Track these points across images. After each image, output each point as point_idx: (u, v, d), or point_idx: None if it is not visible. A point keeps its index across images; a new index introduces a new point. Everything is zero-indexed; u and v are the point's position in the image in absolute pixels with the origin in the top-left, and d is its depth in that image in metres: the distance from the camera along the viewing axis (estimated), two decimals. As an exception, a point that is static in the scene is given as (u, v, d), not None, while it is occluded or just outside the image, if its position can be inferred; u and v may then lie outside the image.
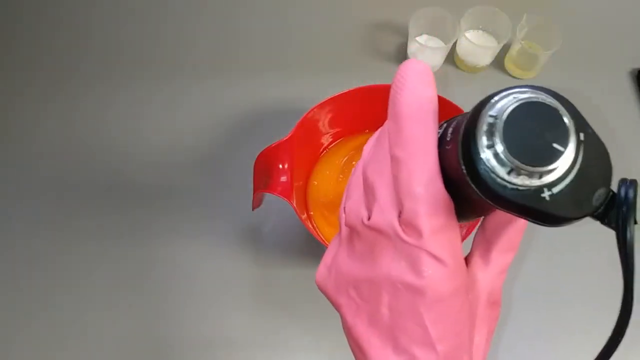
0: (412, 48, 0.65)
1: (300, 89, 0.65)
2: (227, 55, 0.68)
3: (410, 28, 0.62)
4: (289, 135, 0.44)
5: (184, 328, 0.52)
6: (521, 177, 0.16)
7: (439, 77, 0.67)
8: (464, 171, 0.17)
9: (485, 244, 0.23)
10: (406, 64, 0.21)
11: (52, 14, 0.71)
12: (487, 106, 0.17)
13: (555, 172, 0.16)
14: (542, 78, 0.66)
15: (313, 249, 0.55)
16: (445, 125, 0.21)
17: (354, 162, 0.54)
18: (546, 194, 0.17)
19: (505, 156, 0.16)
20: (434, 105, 0.20)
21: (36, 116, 0.64)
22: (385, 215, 0.21)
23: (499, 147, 0.16)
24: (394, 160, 0.20)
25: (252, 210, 0.48)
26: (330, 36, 0.69)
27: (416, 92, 0.20)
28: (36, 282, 0.55)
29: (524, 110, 0.17)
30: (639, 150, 0.62)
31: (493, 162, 0.17)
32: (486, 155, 0.17)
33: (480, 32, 0.66)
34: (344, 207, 0.24)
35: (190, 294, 0.54)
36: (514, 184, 0.16)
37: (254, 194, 0.46)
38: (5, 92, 0.66)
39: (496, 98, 0.17)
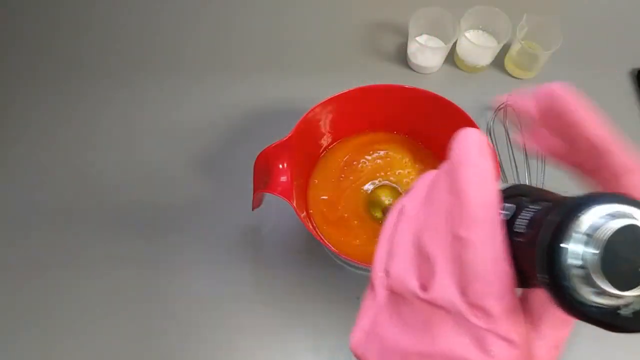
0: (412, 48, 0.65)
1: (300, 88, 0.65)
2: (226, 56, 0.68)
3: (410, 28, 0.62)
4: (289, 135, 0.44)
5: (184, 328, 0.52)
6: (606, 297, 0.16)
7: (439, 77, 0.67)
8: (544, 281, 0.17)
9: (534, 316, 0.22)
10: (464, 134, 0.20)
11: (51, 13, 0.71)
12: (577, 223, 0.16)
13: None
14: (542, 78, 0.66)
15: (313, 248, 0.55)
16: (514, 207, 0.20)
17: (354, 162, 0.54)
18: (626, 311, 0.16)
19: (596, 280, 0.16)
20: (495, 181, 0.20)
21: (33, 116, 0.64)
22: (446, 292, 0.20)
23: (592, 272, 0.16)
24: (458, 240, 0.20)
25: (252, 210, 0.48)
26: (330, 36, 0.69)
27: (479, 169, 0.19)
28: (33, 283, 0.55)
29: (619, 234, 0.16)
30: (638, 150, 0.62)
31: (580, 283, 0.16)
32: (574, 274, 0.16)
33: (480, 32, 0.66)
34: (386, 269, 0.23)
35: (190, 294, 0.54)
36: (596, 303, 0.16)
37: (254, 194, 0.46)
38: (5, 92, 0.66)
39: (587, 215, 0.16)
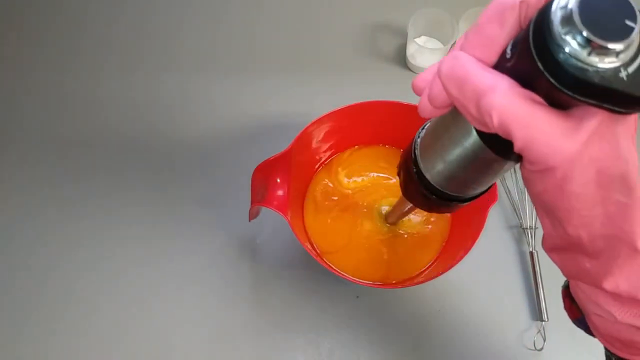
0: (411, 49, 0.65)
1: (300, 89, 0.66)
2: (225, 59, 0.69)
3: (409, 29, 0.62)
4: (287, 149, 0.45)
5: (181, 334, 0.54)
6: (600, 57, 0.17)
7: (438, 77, 0.67)
8: (541, 67, 0.18)
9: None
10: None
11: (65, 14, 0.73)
12: (553, 3, 0.18)
13: (629, 50, 0.17)
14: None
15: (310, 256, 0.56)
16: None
17: (352, 175, 0.55)
18: (623, 74, 0.17)
19: (586, 36, 0.17)
20: None
21: (37, 110, 0.66)
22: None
23: (579, 30, 0.17)
24: None
25: (249, 221, 0.50)
26: (329, 38, 0.70)
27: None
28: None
29: None
30: (638, 150, 0.62)
31: (573, 46, 0.17)
32: (565, 41, 0.17)
33: (479, 33, 0.66)
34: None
35: (186, 299, 0.55)
36: (594, 66, 0.17)
37: (251, 206, 0.47)
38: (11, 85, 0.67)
39: None
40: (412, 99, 0.50)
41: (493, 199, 0.45)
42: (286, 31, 0.71)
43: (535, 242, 0.56)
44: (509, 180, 0.59)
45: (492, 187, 0.45)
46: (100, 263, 0.57)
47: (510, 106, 0.19)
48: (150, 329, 0.54)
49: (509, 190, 0.59)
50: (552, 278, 0.54)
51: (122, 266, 0.57)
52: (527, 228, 0.57)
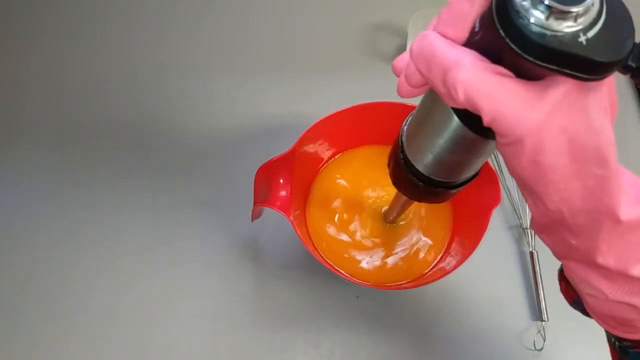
0: (411, 49, 0.65)
1: (301, 89, 0.66)
2: (226, 61, 0.69)
3: (409, 29, 0.63)
4: (290, 150, 0.45)
5: (182, 333, 0.54)
6: (558, 21, 0.17)
7: (438, 78, 0.67)
8: (503, 34, 0.18)
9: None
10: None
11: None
12: None
13: (587, 14, 0.18)
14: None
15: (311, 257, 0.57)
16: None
17: (354, 175, 0.55)
18: (582, 38, 0.18)
19: (543, 1, 0.17)
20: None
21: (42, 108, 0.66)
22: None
23: None
24: None
25: (252, 221, 0.50)
26: (330, 38, 0.70)
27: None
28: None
29: None
30: (638, 150, 0.63)
31: (532, 12, 0.17)
32: (524, 7, 0.18)
33: (479, 33, 0.66)
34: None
35: (187, 299, 0.55)
36: (553, 30, 0.17)
37: (253, 206, 0.47)
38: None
39: None
40: (412, 99, 0.51)
41: (496, 202, 0.45)
42: (286, 31, 0.71)
43: (535, 242, 0.56)
44: (509, 181, 0.59)
45: (495, 188, 0.46)
46: (100, 262, 0.57)
47: (474, 80, 0.19)
48: (150, 328, 0.54)
49: (509, 191, 0.59)
50: (552, 278, 0.53)
51: (122, 266, 0.57)
52: (527, 228, 0.57)
